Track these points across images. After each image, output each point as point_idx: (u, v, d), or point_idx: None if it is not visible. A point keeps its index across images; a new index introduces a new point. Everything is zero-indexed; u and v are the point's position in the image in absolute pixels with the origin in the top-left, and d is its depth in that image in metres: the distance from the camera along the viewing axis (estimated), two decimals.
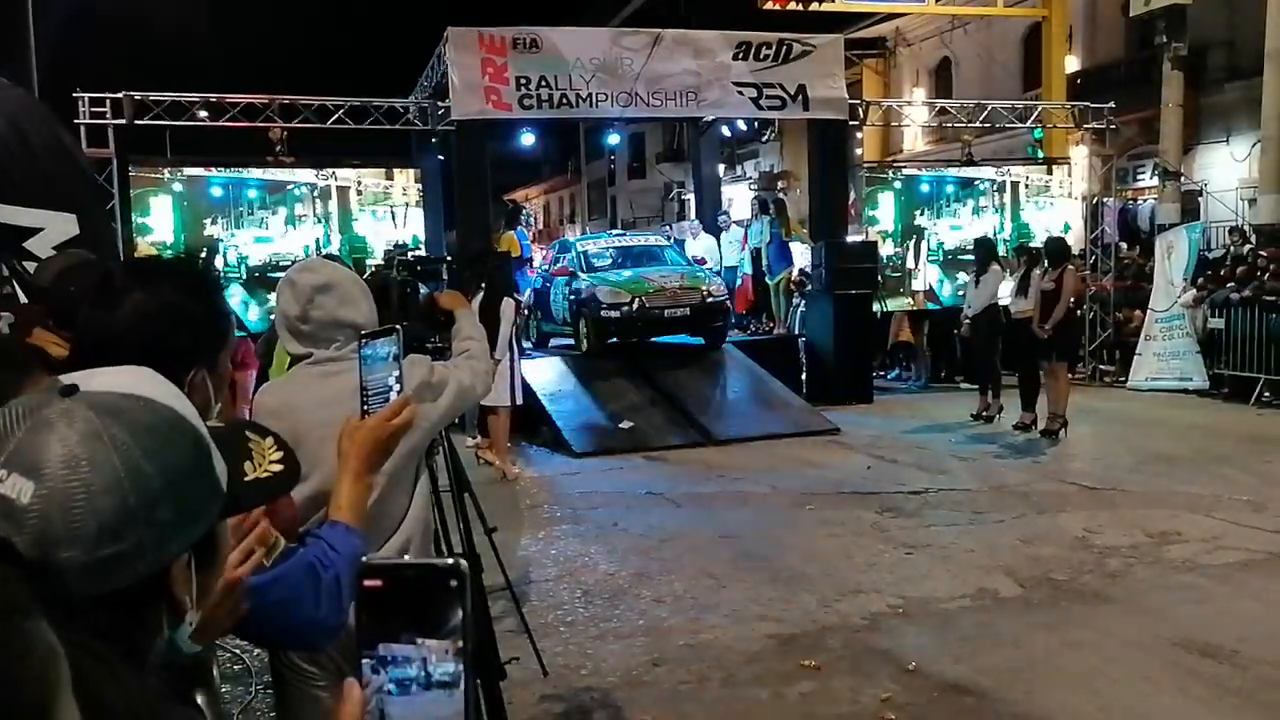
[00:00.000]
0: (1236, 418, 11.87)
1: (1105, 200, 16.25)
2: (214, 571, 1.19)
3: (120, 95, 12.29)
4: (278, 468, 1.41)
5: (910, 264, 14.97)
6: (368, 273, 6.68)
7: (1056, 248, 11.42)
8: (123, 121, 12.28)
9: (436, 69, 13.63)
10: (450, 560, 0.97)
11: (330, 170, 13.14)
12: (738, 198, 28.25)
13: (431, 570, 0.96)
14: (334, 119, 13.06)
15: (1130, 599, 5.95)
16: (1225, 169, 20.54)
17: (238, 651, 5.02)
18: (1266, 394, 12.47)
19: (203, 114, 12.85)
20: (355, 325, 2.64)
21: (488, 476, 9.36)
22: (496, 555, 4.48)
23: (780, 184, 30.69)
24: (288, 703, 2.61)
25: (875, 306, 14.27)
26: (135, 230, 12.28)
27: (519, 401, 10.01)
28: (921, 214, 15.04)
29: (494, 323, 8.75)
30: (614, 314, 12.82)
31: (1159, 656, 5.09)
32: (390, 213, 13.48)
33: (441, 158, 14.29)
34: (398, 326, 2.12)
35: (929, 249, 14.99)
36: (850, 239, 14.45)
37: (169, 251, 12.16)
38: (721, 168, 24.79)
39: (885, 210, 15.01)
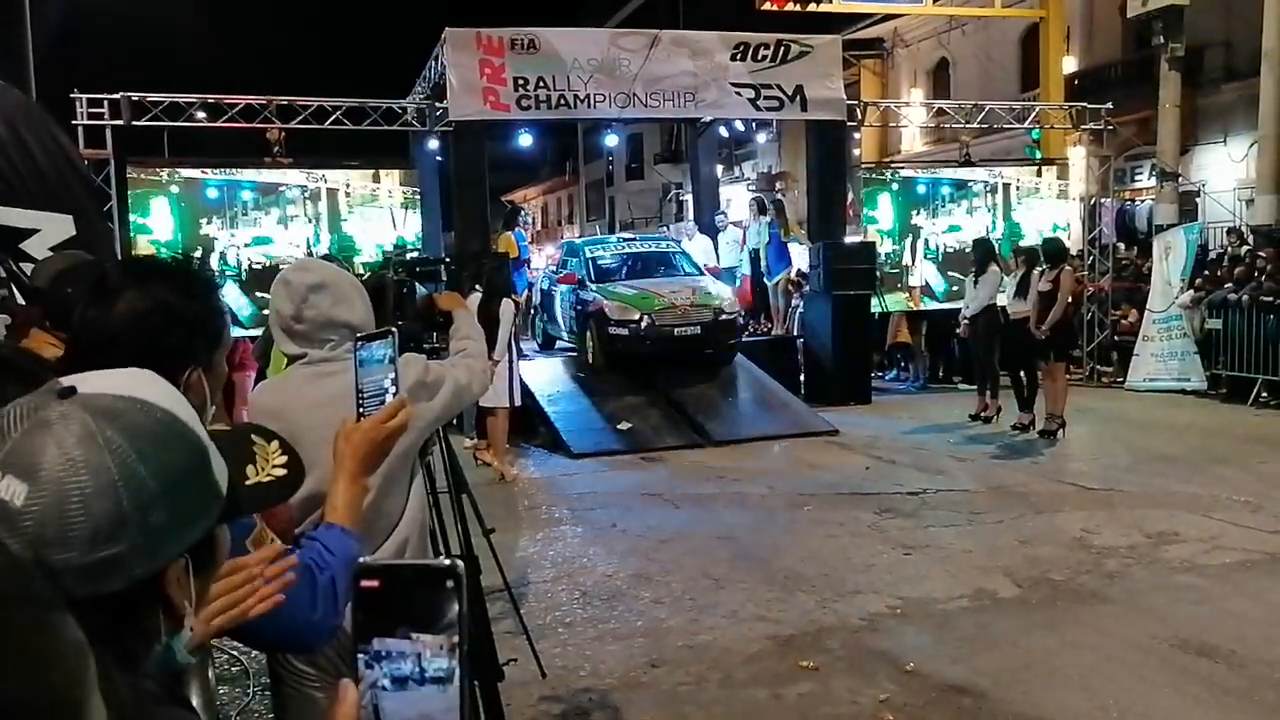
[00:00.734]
0: (1234, 418, 11.87)
1: (1103, 201, 16.26)
2: (212, 576, 1.18)
3: (118, 96, 12.26)
4: (281, 472, 1.40)
5: (907, 260, 14.99)
6: (353, 271, 6.67)
7: (1054, 249, 11.43)
8: (120, 122, 12.25)
9: (434, 70, 13.62)
10: (446, 561, 0.97)
11: (320, 172, 13.14)
12: (736, 198, 28.25)
13: (428, 571, 0.97)
14: (332, 120, 13.04)
15: (1128, 599, 5.96)
16: (1222, 169, 20.58)
17: (235, 653, 5.02)
18: (1264, 394, 12.48)
19: (200, 115, 12.83)
20: (350, 325, 2.64)
21: (486, 478, 9.36)
22: (495, 556, 4.48)
23: (778, 185, 30.72)
24: (285, 704, 2.61)
25: (875, 303, 14.25)
26: (134, 231, 12.27)
27: (517, 403, 10.00)
28: (918, 213, 15.06)
29: (492, 324, 8.75)
30: (622, 331, 12.37)
31: (1157, 656, 5.09)
32: (390, 214, 13.46)
33: (439, 159, 14.28)
34: (393, 329, 2.12)
35: (925, 249, 14.99)
36: (848, 240, 14.45)
37: (166, 251, 12.16)
38: (720, 169, 24.79)
39: (883, 210, 15.04)
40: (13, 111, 5.61)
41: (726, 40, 13.62)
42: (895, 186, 15.24)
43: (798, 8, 18.77)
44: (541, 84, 12.97)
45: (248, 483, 1.33)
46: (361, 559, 1.02)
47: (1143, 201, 20.36)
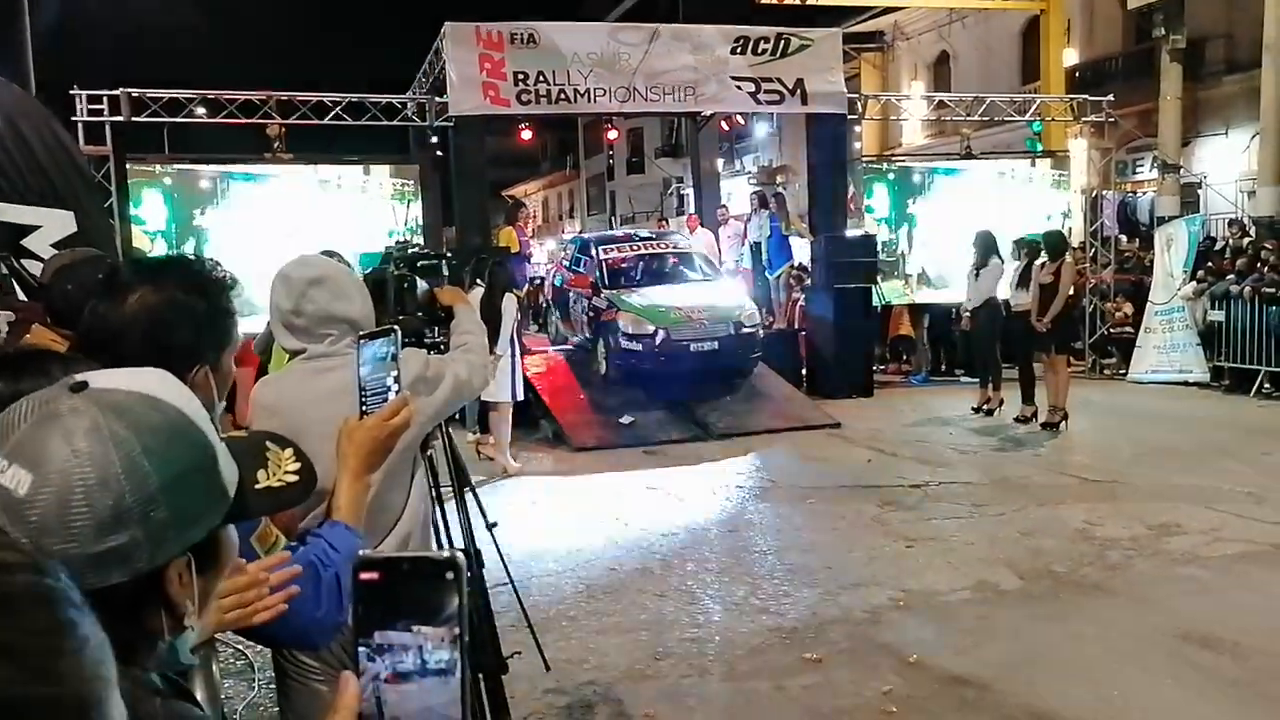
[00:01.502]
0: (1237, 410, 11.87)
1: (1104, 193, 16.25)
2: (216, 577, 1.18)
3: (118, 92, 12.27)
4: (292, 478, 1.41)
5: (904, 248, 15.00)
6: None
7: (1055, 241, 11.40)
8: (120, 118, 12.25)
9: (434, 65, 13.62)
10: (446, 553, 0.97)
11: (312, 165, 13.15)
12: (737, 192, 28.23)
13: (427, 563, 0.97)
14: (332, 115, 13.04)
15: (1131, 591, 5.96)
16: (1224, 161, 20.55)
17: (241, 648, 5.02)
18: (1267, 386, 12.47)
19: (200, 111, 12.84)
20: (349, 320, 2.64)
21: (489, 472, 9.37)
22: (498, 550, 4.48)
23: (779, 178, 30.70)
24: (291, 697, 2.62)
25: (875, 297, 14.23)
26: (131, 221, 12.29)
27: (520, 397, 10.01)
28: (914, 202, 15.07)
29: (495, 319, 8.74)
30: (635, 345, 11.78)
31: (1159, 648, 5.10)
32: (390, 207, 13.47)
33: (440, 154, 14.28)
34: (395, 327, 2.12)
35: (922, 238, 15.02)
36: (849, 233, 14.45)
37: (158, 237, 12.23)
38: (720, 162, 24.78)
39: (880, 199, 15.08)
40: (13, 108, 5.61)
41: (726, 34, 13.61)
42: (891, 177, 15.28)
43: (798, 1, 18.75)
44: (541, 78, 12.97)
45: (257, 486, 1.33)
46: (362, 552, 1.02)
47: (1144, 194, 20.33)
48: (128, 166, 12.34)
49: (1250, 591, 5.89)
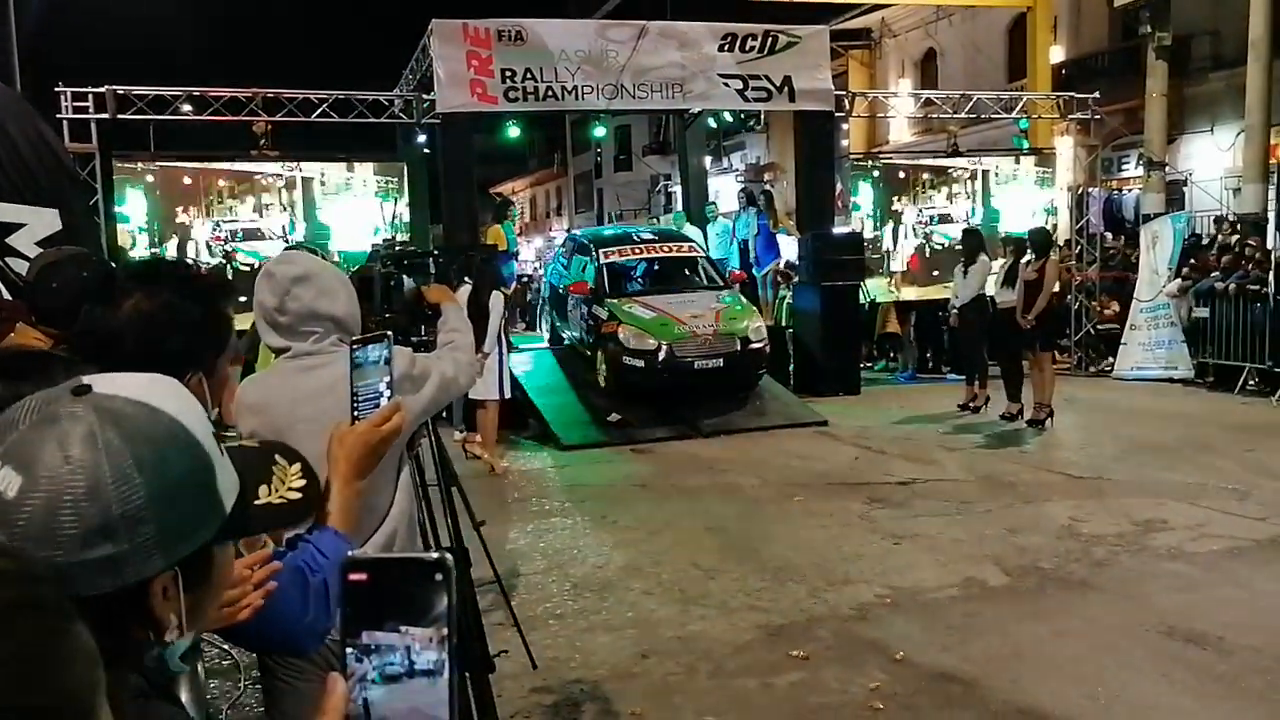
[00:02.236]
0: (1222, 406, 11.92)
1: (1090, 190, 16.29)
2: (207, 593, 1.15)
3: (103, 89, 12.20)
4: (295, 495, 1.38)
5: (888, 245, 15.03)
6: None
7: (1040, 238, 11.44)
8: (106, 116, 12.19)
9: (421, 62, 13.59)
10: (435, 554, 0.96)
11: (295, 162, 13.14)
12: (724, 189, 28.21)
13: (416, 564, 0.96)
14: (318, 112, 12.99)
15: (1116, 587, 5.98)
16: (1209, 158, 20.61)
17: (226, 647, 5.00)
18: (1251, 383, 12.53)
19: (186, 108, 12.78)
20: (333, 318, 2.63)
21: (475, 470, 9.35)
22: (485, 549, 4.47)
23: (767, 176, 30.69)
24: (277, 698, 2.61)
25: (861, 294, 14.25)
26: (115, 219, 12.26)
27: (507, 395, 9.99)
28: (899, 199, 15.10)
29: (482, 317, 8.73)
30: (637, 362, 11.34)
31: (1145, 644, 5.12)
32: (378, 204, 13.45)
33: (427, 151, 14.23)
34: (389, 332, 2.11)
35: (905, 234, 15.05)
36: (837, 230, 14.46)
37: (141, 233, 12.21)
38: (708, 160, 24.77)
39: (865, 196, 15.12)
40: None
41: (714, 31, 13.61)
42: (876, 174, 15.31)
43: None
44: (529, 75, 12.96)
45: (257, 502, 1.30)
46: (349, 553, 1.02)
47: (1130, 191, 20.40)
48: (113, 164, 12.28)
49: (1235, 587, 5.93)
